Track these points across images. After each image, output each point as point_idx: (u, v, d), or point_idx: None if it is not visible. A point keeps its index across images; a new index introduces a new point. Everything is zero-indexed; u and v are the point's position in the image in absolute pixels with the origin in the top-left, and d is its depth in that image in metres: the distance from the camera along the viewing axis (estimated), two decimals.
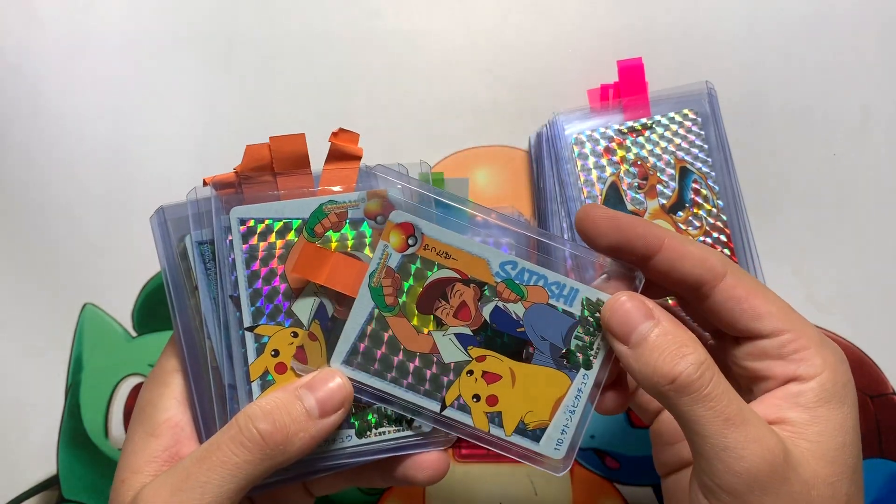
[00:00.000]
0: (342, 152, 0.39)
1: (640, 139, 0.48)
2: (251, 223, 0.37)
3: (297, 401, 0.35)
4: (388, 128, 0.53)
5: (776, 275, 0.51)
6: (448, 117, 0.53)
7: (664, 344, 0.34)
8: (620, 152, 0.48)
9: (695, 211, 0.47)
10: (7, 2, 0.53)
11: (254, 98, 0.53)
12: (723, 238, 0.47)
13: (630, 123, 0.48)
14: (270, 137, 0.38)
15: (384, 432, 0.37)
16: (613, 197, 0.47)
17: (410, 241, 0.36)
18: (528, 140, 0.53)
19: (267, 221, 0.37)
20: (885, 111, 0.53)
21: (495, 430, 0.37)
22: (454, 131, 0.53)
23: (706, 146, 0.48)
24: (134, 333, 0.53)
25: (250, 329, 0.36)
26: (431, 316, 0.36)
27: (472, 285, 0.37)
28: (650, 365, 0.34)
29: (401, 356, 0.36)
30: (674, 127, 0.48)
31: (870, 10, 0.53)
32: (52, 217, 0.53)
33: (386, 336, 0.36)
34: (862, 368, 0.52)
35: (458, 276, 0.37)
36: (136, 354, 0.52)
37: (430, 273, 0.36)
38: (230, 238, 0.37)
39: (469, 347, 0.36)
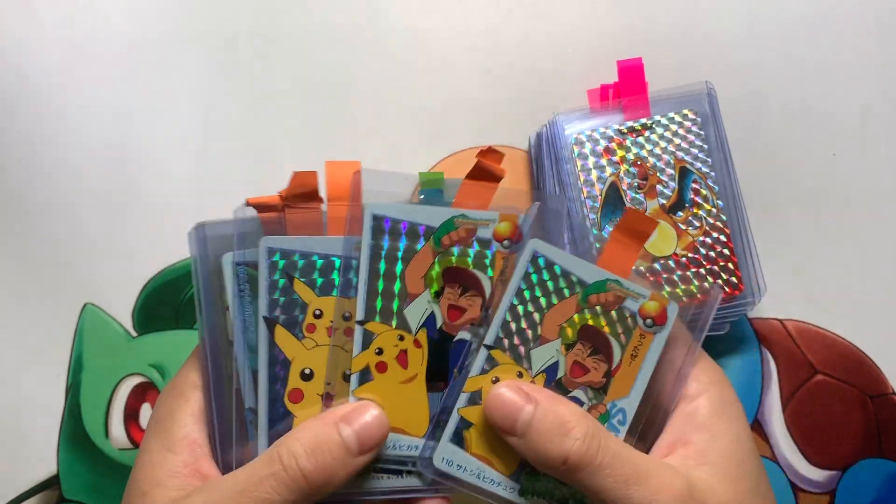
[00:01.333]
0: (486, 171, 0.39)
1: (640, 139, 0.48)
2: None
3: (336, 435, 0.34)
4: (388, 128, 0.53)
5: (776, 275, 0.51)
6: (448, 117, 0.53)
7: (546, 426, 0.35)
8: (620, 152, 0.48)
9: (694, 211, 0.47)
10: (7, 2, 0.53)
11: (254, 98, 0.53)
12: (722, 238, 0.47)
13: (630, 123, 0.48)
14: (326, 163, 0.38)
15: (382, 478, 0.37)
16: (613, 197, 0.47)
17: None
18: (528, 140, 0.53)
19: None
20: (885, 111, 0.53)
21: None
22: (454, 131, 0.53)
23: (706, 146, 0.48)
24: (134, 333, 0.53)
25: (361, 323, 0.37)
26: None
27: None
28: (540, 451, 0.35)
29: None
30: (674, 127, 0.48)
31: (870, 10, 0.53)
32: (52, 217, 0.53)
33: None
34: (862, 368, 0.52)
35: None
36: (136, 354, 0.52)
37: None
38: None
39: None
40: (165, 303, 0.53)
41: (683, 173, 0.48)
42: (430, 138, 0.53)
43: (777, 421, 0.52)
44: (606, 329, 0.37)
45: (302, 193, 0.38)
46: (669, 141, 0.48)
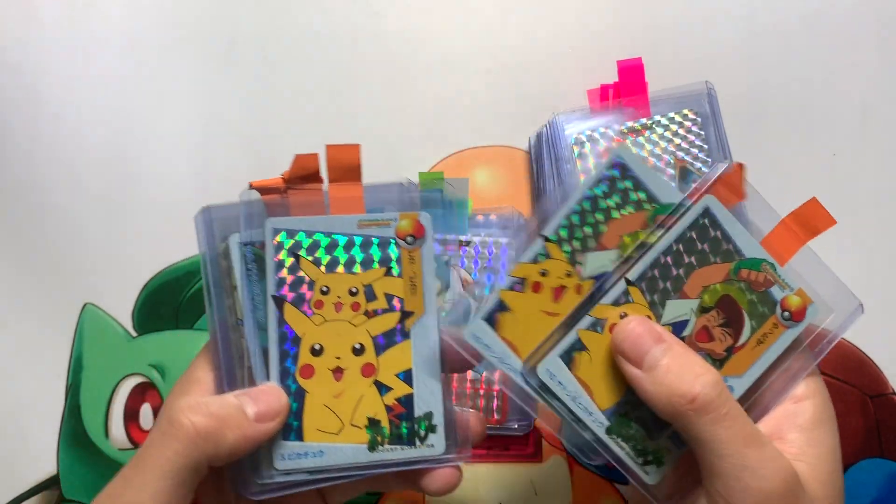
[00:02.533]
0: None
1: (640, 139, 0.48)
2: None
3: (235, 401, 0.35)
4: (388, 128, 0.53)
5: None
6: (448, 117, 0.53)
7: (679, 365, 0.34)
8: None
9: None
10: (7, 2, 0.53)
11: (254, 98, 0.53)
12: None
13: (630, 123, 0.48)
14: (327, 146, 0.38)
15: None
16: None
17: None
18: (528, 140, 0.53)
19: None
20: (885, 111, 0.53)
21: None
22: (454, 131, 0.53)
23: (706, 146, 0.48)
24: (134, 333, 0.53)
25: (629, 283, 0.37)
26: None
27: None
28: (667, 386, 0.34)
29: None
30: (674, 127, 0.48)
31: (870, 10, 0.53)
32: (52, 217, 0.53)
33: None
34: (862, 368, 0.52)
35: None
36: (136, 354, 0.52)
37: None
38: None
39: None
40: (165, 303, 0.53)
41: (683, 173, 0.48)
42: (430, 138, 0.53)
43: None
44: (745, 307, 0.37)
45: (303, 175, 0.38)
46: (669, 141, 0.48)
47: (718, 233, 0.37)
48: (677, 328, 0.37)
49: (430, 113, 0.53)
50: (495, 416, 0.49)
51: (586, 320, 0.37)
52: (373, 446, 0.37)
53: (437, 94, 0.53)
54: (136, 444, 0.52)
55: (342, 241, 0.38)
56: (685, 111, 0.48)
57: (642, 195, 0.37)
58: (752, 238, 0.37)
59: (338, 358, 0.37)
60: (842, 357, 0.52)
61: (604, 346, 0.37)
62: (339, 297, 0.38)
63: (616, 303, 0.37)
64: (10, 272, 0.53)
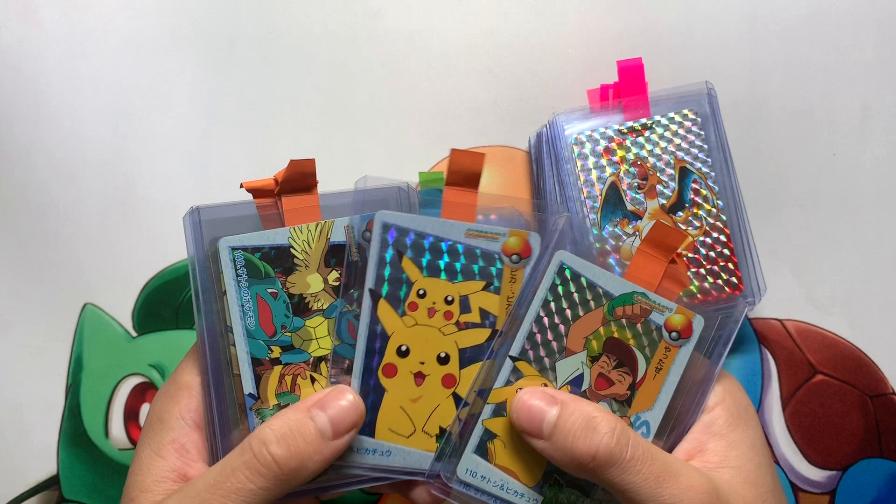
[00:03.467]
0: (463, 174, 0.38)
1: (640, 139, 0.48)
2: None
3: (309, 421, 0.34)
4: (388, 128, 0.53)
5: (776, 275, 0.51)
6: (448, 117, 0.53)
7: (573, 424, 0.35)
8: (620, 152, 0.48)
9: (695, 211, 0.47)
10: (7, 2, 0.53)
11: (254, 98, 0.53)
12: (722, 238, 0.47)
13: (630, 123, 0.48)
14: (452, 150, 0.39)
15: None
16: (613, 197, 0.47)
17: None
18: (528, 140, 0.53)
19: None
20: (885, 111, 0.53)
21: None
22: (454, 131, 0.53)
23: (706, 146, 0.48)
24: (134, 333, 0.53)
25: (514, 360, 0.37)
26: None
27: None
28: (568, 449, 0.34)
29: None
30: (674, 127, 0.48)
31: (870, 10, 0.53)
32: (52, 217, 0.53)
33: None
34: (862, 368, 0.52)
35: None
36: (136, 354, 0.52)
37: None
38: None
39: None
40: (165, 303, 0.53)
41: (683, 173, 0.48)
42: (430, 138, 0.53)
43: (777, 421, 0.52)
44: (632, 342, 0.37)
45: (299, 179, 0.38)
46: (669, 141, 0.48)
47: (582, 281, 0.37)
48: (575, 385, 0.37)
49: (430, 113, 0.53)
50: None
51: (487, 409, 0.37)
52: (440, 456, 0.37)
53: (437, 94, 0.53)
54: (135, 444, 0.52)
55: (446, 247, 0.38)
56: (685, 111, 0.48)
57: (595, 291, 0.37)
58: (615, 276, 0.38)
59: (422, 363, 0.37)
60: (842, 357, 0.52)
61: (511, 428, 0.37)
62: (434, 302, 0.38)
63: (508, 383, 0.37)
64: (10, 272, 0.53)
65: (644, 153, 0.48)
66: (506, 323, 0.38)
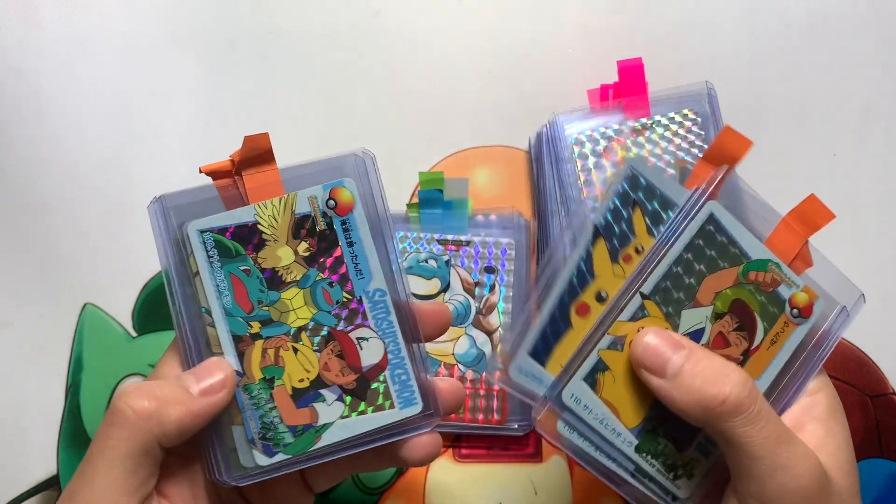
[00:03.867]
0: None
1: (640, 139, 0.48)
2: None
3: (177, 381, 0.34)
4: (388, 128, 0.53)
5: None
6: (448, 117, 0.53)
7: (704, 369, 0.34)
8: (620, 152, 0.48)
9: None
10: (7, 2, 0.53)
11: (254, 98, 0.53)
12: None
13: (630, 123, 0.48)
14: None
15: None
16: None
17: None
18: (528, 140, 0.53)
19: None
20: (885, 111, 0.53)
21: None
22: (454, 131, 0.53)
23: (706, 146, 0.48)
24: (134, 333, 0.53)
25: (644, 297, 0.37)
26: None
27: None
28: (695, 391, 0.34)
29: None
30: (674, 127, 0.48)
31: (870, 10, 0.53)
32: (52, 217, 0.53)
33: None
34: (862, 368, 0.52)
35: None
36: (136, 354, 0.52)
37: None
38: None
39: None
40: (165, 303, 0.52)
41: (684, 173, 0.48)
42: (430, 138, 0.53)
43: None
44: (756, 308, 0.37)
45: (256, 156, 0.38)
46: (669, 141, 0.48)
47: (724, 238, 0.37)
48: (694, 337, 0.37)
49: (430, 113, 0.53)
50: (495, 417, 0.49)
51: (606, 339, 0.37)
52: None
53: (437, 94, 0.53)
54: None
55: (671, 214, 0.38)
56: (685, 111, 0.48)
57: (735, 249, 0.37)
58: (757, 240, 0.37)
59: (608, 313, 0.37)
60: (842, 357, 0.52)
61: (625, 364, 0.37)
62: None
63: (633, 318, 0.37)
64: (10, 272, 0.53)
65: (644, 153, 0.48)
66: (643, 259, 0.37)
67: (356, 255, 0.38)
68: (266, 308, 0.37)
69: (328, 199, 0.38)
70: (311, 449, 0.37)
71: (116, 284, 0.53)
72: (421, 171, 0.49)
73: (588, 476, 0.52)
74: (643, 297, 0.37)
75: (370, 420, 0.37)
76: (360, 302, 0.38)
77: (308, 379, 0.37)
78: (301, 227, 0.38)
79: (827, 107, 0.53)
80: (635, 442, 0.37)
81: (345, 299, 0.38)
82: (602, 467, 0.37)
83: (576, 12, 0.53)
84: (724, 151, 0.38)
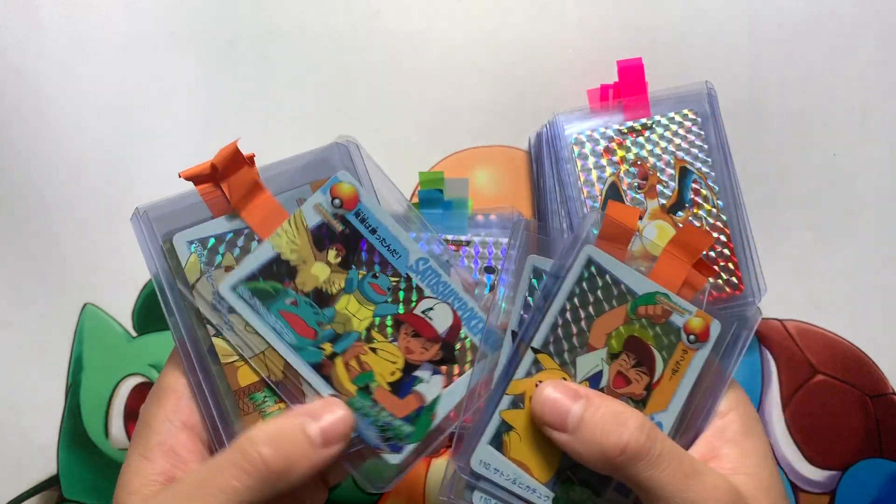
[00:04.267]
0: (687, 245, 0.38)
1: (640, 139, 0.48)
2: None
3: (299, 427, 0.34)
4: (388, 128, 0.53)
5: (776, 275, 0.51)
6: (448, 117, 0.53)
7: (602, 418, 0.35)
8: (620, 152, 0.48)
9: (695, 211, 0.47)
10: (7, 2, 0.53)
11: (254, 98, 0.53)
12: (723, 238, 0.47)
13: (630, 123, 0.48)
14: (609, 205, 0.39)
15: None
16: (613, 197, 0.47)
17: None
18: (528, 140, 0.53)
19: None
20: (885, 112, 0.53)
21: None
22: (454, 131, 0.53)
23: (706, 146, 0.48)
24: (134, 333, 0.53)
25: (536, 351, 0.37)
26: None
27: None
28: (595, 443, 0.34)
29: None
30: (674, 127, 0.48)
31: (870, 10, 0.53)
32: (52, 217, 0.53)
33: None
34: (862, 368, 0.52)
35: None
36: (136, 354, 0.52)
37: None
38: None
39: None
40: None
41: (683, 173, 0.48)
42: (430, 138, 0.53)
43: (777, 421, 0.52)
44: (652, 342, 0.37)
45: (231, 164, 0.38)
46: (669, 141, 0.48)
47: (607, 278, 0.37)
48: (593, 382, 0.37)
49: (430, 113, 0.53)
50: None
51: (505, 399, 0.37)
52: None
53: (437, 94, 0.53)
54: None
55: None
56: (685, 111, 0.48)
57: (619, 289, 0.37)
58: (640, 274, 0.38)
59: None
60: (842, 357, 0.52)
61: (528, 420, 0.37)
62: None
63: (528, 374, 0.37)
64: (10, 272, 0.53)
65: (644, 153, 0.48)
66: (529, 314, 0.38)
67: (384, 239, 0.38)
68: (328, 326, 0.38)
69: (333, 200, 0.38)
70: (432, 428, 0.37)
71: (116, 284, 0.53)
72: (421, 171, 0.49)
73: None
74: (535, 351, 0.37)
75: (472, 378, 0.38)
76: (408, 279, 0.38)
77: (398, 369, 0.38)
78: (320, 237, 0.38)
79: (827, 107, 0.53)
80: (551, 495, 0.37)
81: (393, 283, 0.38)
82: None
83: (576, 12, 0.53)
84: (612, 228, 0.38)
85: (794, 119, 0.53)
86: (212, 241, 0.37)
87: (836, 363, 0.52)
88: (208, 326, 0.37)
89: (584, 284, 0.37)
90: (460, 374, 0.38)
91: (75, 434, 0.52)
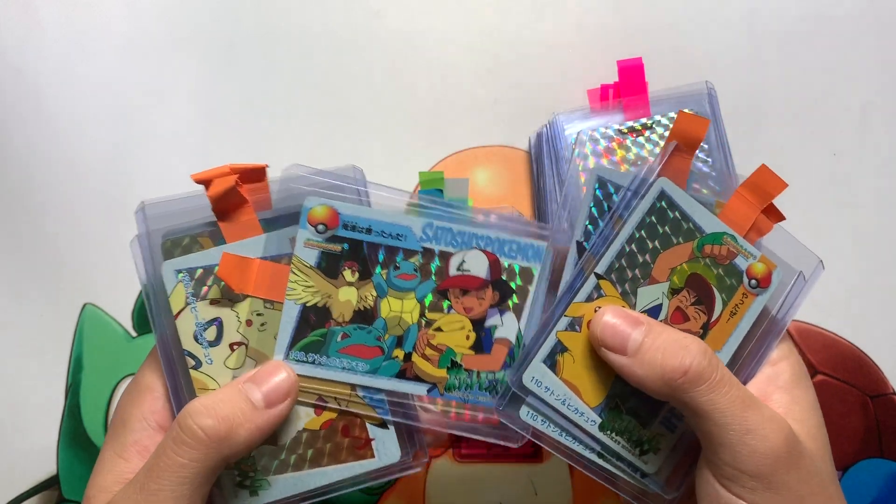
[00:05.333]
0: (760, 188, 0.38)
1: (640, 139, 0.48)
2: None
3: (241, 394, 0.35)
4: (388, 128, 0.53)
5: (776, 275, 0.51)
6: (448, 117, 0.53)
7: (664, 342, 0.35)
8: (620, 152, 0.48)
9: None
10: (7, 2, 0.53)
11: (254, 98, 0.53)
12: None
13: (630, 123, 0.48)
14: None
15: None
16: None
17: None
18: (528, 140, 0.53)
19: None
20: (885, 111, 0.53)
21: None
22: (454, 131, 0.53)
23: (706, 146, 0.48)
24: (134, 333, 0.53)
25: (599, 277, 0.37)
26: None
27: None
28: (657, 365, 0.34)
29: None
30: None
31: (870, 10, 0.53)
32: (52, 217, 0.53)
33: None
34: (862, 368, 0.52)
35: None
36: (136, 354, 0.52)
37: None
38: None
39: None
40: None
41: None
42: (430, 138, 0.53)
43: None
44: (714, 282, 0.37)
45: (250, 171, 0.38)
46: None
47: (677, 213, 0.37)
48: (652, 313, 0.37)
49: (430, 113, 0.53)
50: (496, 417, 0.49)
51: (563, 321, 0.37)
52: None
53: (437, 94, 0.53)
54: None
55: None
56: (685, 111, 0.48)
57: (688, 224, 0.37)
58: (710, 213, 0.37)
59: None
60: (842, 357, 0.52)
61: (584, 344, 0.37)
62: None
63: (589, 299, 0.37)
64: (10, 272, 0.53)
65: (644, 153, 0.48)
66: (596, 239, 0.37)
67: (382, 231, 0.38)
68: (387, 336, 0.38)
69: (316, 228, 0.38)
70: (529, 357, 0.37)
71: (116, 284, 0.53)
72: (421, 171, 0.49)
73: (587, 476, 0.52)
74: (598, 277, 0.37)
75: (537, 295, 0.38)
76: (426, 251, 0.38)
77: (469, 331, 0.38)
78: (328, 267, 0.38)
79: (827, 107, 0.53)
80: (599, 420, 0.37)
81: (417, 262, 0.38)
82: (567, 450, 0.38)
83: (576, 12, 0.53)
84: (683, 135, 0.38)
85: (794, 119, 0.53)
86: (199, 271, 0.37)
87: (836, 363, 0.52)
88: (187, 357, 0.37)
89: (654, 217, 0.37)
90: (526, 298, 0.38)
91: (75, 434, 0.52)
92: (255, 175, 0.38)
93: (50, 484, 0.52)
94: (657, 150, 0.48)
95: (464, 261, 0.38)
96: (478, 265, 0.38)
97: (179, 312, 0.37)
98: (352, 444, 0.38)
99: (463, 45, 0.53)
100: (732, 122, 0.49)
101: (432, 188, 0.49)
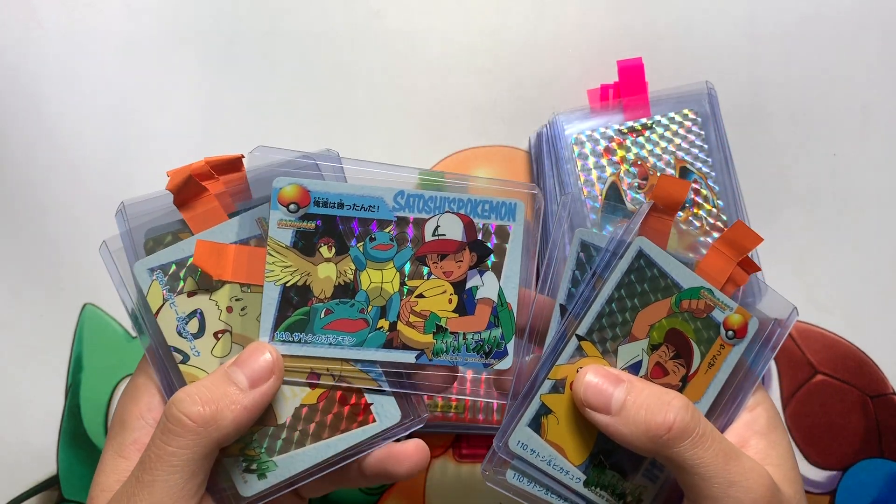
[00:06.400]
0: (736, 244, 0.39)
1: (640, 139, 0.48)
2: None
3: (224, 377, 0.35)
4: (388, 128, 0.53)
5: (776, 275, 0.51)
6: (448, 117, 0.53)
7: (646, 399, 0.35)
8: (620, 152, 0.48)
9: (695, 211, 0.47)
10: (7, 2, 0.53)
11: (254, 97, 0.53)
12: None
13: (630, 123, 0.48)
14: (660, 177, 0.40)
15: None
16: (613, 197, 0.47)
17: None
18: (528, 140, 0.53)
19: None
20: (885, 111, 0.53)
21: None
22: (454, 131, 0.53)
23: (706, 146, 0.48)
24: (134, 333, 0.53)
25: (580, 339, 0.38)
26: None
27: None
28: (641, 422, 0.35)
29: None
30: (674, 127, 0.48)
31: (870, 10, 0.53)
32: (52, 217, 0.53)
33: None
34: (862, 368, 0.52)
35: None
36: (136, 354, 0.52)
37: None
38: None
39: None
40: None
41: (683, 173, 0.48)
42: (430, 138, 0.53)
43: None
44: (692, 335, 0.38)
45: (226, 163, 0.38)
46: (669, 141, 0.48)
47: (655, 271, 0.38)
48: (632, 370, 0.38)
49: (430, 113, 0.53)
50: (495, 417, 0.49)
51: (546, 384, 0.38)
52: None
53: (437, 93, 0.53)
54: None
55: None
56: (685, 111, 0.48)
57: (666, 281, 0.38)
58: (687, 269, 0.38)
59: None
60: (842, 357, 0.52)
61: (567, 405, 0.38)
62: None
63: (571, 360, 0.37)
64: (10, 272, 0.53)
65: (644, 153, 0.48)
66: (577, 301, 0.38)
67: (354, 204, 0.38)
68: (371, 306, 0.38)
69: (288, 206, 0.38)
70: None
71: None
72: (421, 170, 0.49)
73: None
74: (579, 338, 0.38)
75: (515, 253, 0.38)
76: (400, 219, 0.38)
77: (451, 294, 0.38)
78: (305, 245, 0.38)
79: (827, 107, 0.53)
80: (584, 477, 0.38)
81: (392, 232, 0.38)
82: None
83: (576, 12, 0.53)
84: (664, 197, 0.38)
85: (794, 119, 0.53)
86: (172, 266, 0.37)
87: (836, 363, 0.52)
88: (174, 353, 0.37)
89: (633, 276, 0.38)
90: (504, 256, 0.38)
91: (75, 434, 0.52)
92: (231, 166, 0.38)
93: (50, 484, 0.52)
94: (657, 150, 0.48)
95: (438, 225, 0.38)
96: (453, 228, 0.38)
97: (159, 310, 0.37)
98: (352, 412, 0.38)
99: (463, 45, 0.53)
100: (732, 122, 0.49)
101: (432, 188, 0.49)
